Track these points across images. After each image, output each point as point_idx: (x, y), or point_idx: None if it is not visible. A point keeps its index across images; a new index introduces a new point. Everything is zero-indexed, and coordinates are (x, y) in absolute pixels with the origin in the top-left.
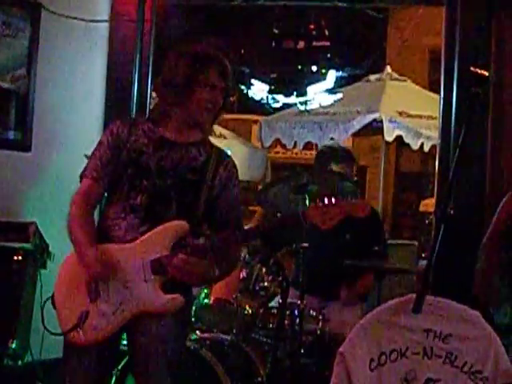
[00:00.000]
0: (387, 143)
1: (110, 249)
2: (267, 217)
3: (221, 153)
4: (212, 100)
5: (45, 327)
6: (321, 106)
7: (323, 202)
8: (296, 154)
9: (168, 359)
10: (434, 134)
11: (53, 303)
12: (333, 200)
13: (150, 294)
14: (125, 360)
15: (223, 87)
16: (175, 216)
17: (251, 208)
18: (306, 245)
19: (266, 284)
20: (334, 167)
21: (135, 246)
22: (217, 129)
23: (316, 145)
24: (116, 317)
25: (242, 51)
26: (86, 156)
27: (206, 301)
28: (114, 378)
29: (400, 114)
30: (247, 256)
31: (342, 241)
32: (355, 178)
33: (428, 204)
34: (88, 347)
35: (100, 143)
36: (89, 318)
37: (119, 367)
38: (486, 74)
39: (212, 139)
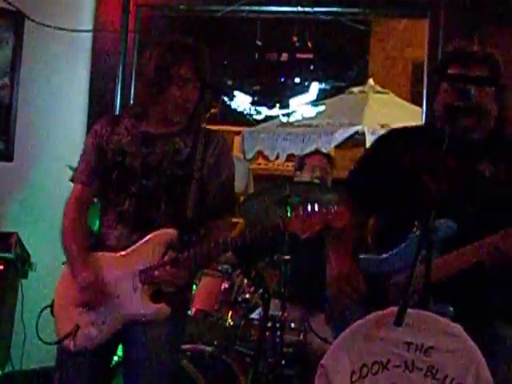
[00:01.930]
0: None
1: (101, 258)
2: (248, 228)
3: (208, 134)
4: (184, 97)
5: (39, 337)
6: (303, 118)
7: (303, 210)
8: (278, 165)
9: (160, 371)
10: None
11: (52, 312)
12: (315, 208)
13: (137, 303)
14: None
15: (198, 83)
16: (164, 218)
17: (233, 220)
18: (287, 257)
19: (247, 296)
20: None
21: (125, 256)
22: None
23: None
24: (107, 325)
25: (225, 63)
26: (68, 167)
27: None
28: None
29: (382, 126)
30: (229, 268)
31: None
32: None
33: None
34: (81, 357)
35: (86, 145)
36: (81, 327)
37: None
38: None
39: None
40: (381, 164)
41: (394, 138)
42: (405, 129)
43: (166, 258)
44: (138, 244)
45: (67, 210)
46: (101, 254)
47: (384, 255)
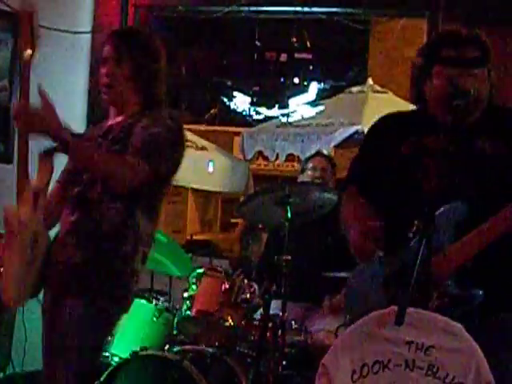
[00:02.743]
0: None
1: None
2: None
3: (141, 114)
4: (104, 73)
5: None
6: (303, 118)
7: None
8: (278, 165)
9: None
10: None
11: None
12: None
13: None
14: (107, 372)
15: (115, 57)
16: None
17: (232, 220)
18: (288, 257)
19: (248, 296)
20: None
21: None
22: (198, 141)
23: (298, 157)
24: None
25: (224, 63)
26: None
27: (188, 313)
28: None
29: None
30: (229, 269)
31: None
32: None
33: None
34: None
35: None
36: None
37: (101, 379)
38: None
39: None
40: (380, 151)
41: (391, 124)
42: (402, 114)
43: None
44: None
45: None
46: None
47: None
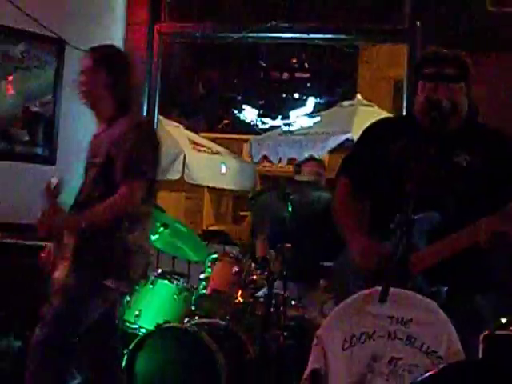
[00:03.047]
0: None
1: None
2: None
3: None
4: (83, 81)
5: None
6: (302, 128)
7: None
8: (281, 167)
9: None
10: None
11: None
12: None
13: None
14: (135, 341)
15: (94, 69)
16: None
17: (242, 213)
18: (289, 245)
19: (254, 277)
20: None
21: None
22: (214, 146)
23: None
24: None
25: (235, 81)
26: None
27: (204, 291)
28: (125, 358)
29: None
30: (239, 254)
31: (321, 240)
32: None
33: None
34: None
35: None
36: None
37: (130, 347)
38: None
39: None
40: (372, 150)
41: (383, 127)
42: (393, 119)
43: None
44: None
45: None
46: None
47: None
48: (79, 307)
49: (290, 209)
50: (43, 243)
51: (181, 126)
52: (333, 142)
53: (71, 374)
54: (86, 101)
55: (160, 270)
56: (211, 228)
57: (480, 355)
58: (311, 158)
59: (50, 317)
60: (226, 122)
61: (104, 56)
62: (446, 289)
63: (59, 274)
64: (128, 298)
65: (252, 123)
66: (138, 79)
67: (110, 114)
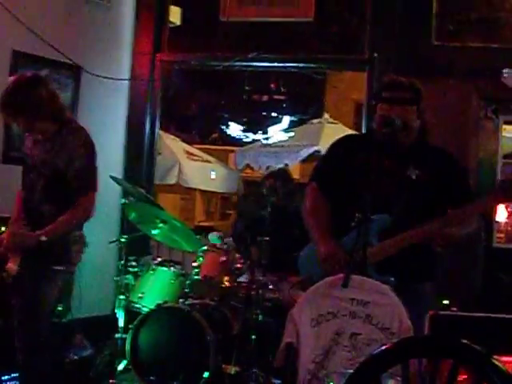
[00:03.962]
0: None
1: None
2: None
3: (73, 132)
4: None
5: None
6: (278, 141)
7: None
8: (261, 174)
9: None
10: None
11: None
12: None
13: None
14: (139, 318)
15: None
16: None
17: (228, 212)
18: (267, 238)
19: (238, 266)
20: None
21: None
22: (204, 156)
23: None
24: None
25: (223, 102)
26: (110, 176)
27: (196, 277)
28: (130, 332)
29: None
30: (225, 245)
31: (293, 235)
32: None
33: None
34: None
35: None
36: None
37: (134, 323)
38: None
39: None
40: (338, 161)
41: (347, 142)
42: (356, 136)
43: None
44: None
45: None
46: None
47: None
48: (38, 296)
49: (268, 209)
50: None
51: (177, 139)
52: (304, 153)
53: (83, 345)
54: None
55: (160, 259)
56: (202, 224)
57: (426, 331)
58: (269, 175)
59: (21, 317)
60: (215, 135)
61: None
62: (393, 279)
63: (12, 264)
64: (133, 282)
65: (237, 137)
66: None
67: (51, 130)
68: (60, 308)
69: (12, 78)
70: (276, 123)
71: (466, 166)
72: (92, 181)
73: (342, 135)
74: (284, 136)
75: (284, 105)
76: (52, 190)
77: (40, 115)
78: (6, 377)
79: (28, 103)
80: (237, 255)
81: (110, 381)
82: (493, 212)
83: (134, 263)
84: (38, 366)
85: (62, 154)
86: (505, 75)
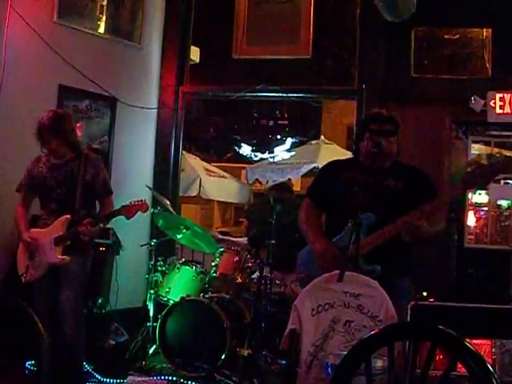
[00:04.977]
0: None
1: (34, 231)
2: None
3: (88, 156)
4: (49, 148)
5: None
6: (282, 159)
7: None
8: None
9: (74, 286)
10: None
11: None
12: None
13: (53, 256)
14: (166, 309)
15: (50, 137)
16: (71, 210)
17: (240, 219)
18: (273, 241)
19: (249, 264)
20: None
21: (46, 231)
22: (221, 172)
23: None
24: (41, 267)
25: (236, 126)
26: (147, 186)
27: (214, 274)
28: (159, 321)
29: None
30: (239, 248)
31: (294, 238)
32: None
33: None
34: (35, 282)
35: (24, 174)
36: (29, 269)
37: (162, 314)
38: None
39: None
40: (327, 180)
41: (334, 165)
42: (341, 160)
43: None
44: (52, 225)
45: (17, 206)
46: (34, 229)
47: (334, 239)
48: (84, 277)
49: (274, 216)
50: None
51: (198, 158)
52: (304, 169)
53: (120, 332)
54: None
55: (183, 259)
56: (219, 229)
57: (408, 319)
58: (274, 187)
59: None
60: (229, 155)
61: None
62: (379, 267)
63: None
64: (161, 279)
65: (248, 156)
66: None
67: (68, 157)
68: (100, 301)
69: (47, 112)
70: (280, 144)
71: (433, 177)
72: (110, 187)
73: (336, 155)
74: (287, 155)
75: (287, 129)
76: (86, 196)
77: (66, 142)
78: (28, 362)
79: (61, 131)
80: (248, 256)
81: (143, 362)
82: (464, 213)
83: (161, 263)
84: (83, 340)
85: (89, 170)
86: (473, 102)
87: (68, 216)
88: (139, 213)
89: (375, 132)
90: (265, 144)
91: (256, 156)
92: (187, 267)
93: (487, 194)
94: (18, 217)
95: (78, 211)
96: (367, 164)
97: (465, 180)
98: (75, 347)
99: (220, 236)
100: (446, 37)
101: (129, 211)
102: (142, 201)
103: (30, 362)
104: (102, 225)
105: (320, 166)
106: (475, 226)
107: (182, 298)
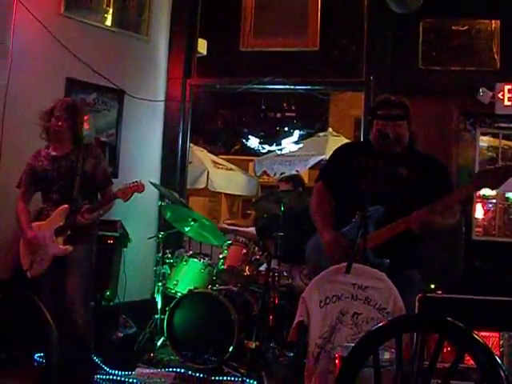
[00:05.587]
0: None
1: (35, 224)
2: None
3: (88, 147)
4: (57, 124)
5: None
6: (290, 152)
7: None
8: (275, 179)
9: (81, 270)
10: None
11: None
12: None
13: (55, 247)
14: (174, 302)
15: (63, 116)
16: (70, 200)
17: (248, 212)
18: (281, 234)
19: (257, 257)
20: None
21: (46, 223)
22: (228, 165)
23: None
24: (43, 261)
25: (244, 119)
26: (150, 182)
27: (222, 267)
28: (167, 314)
29: None
30: (247, 240)
31: (302, 230)
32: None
33: None
34: (40, 276)
35: (24, 169)
36: (33, 263)
37: (170, 306)
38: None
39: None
40: (339, 164)
41: (346, 149)
42: (354, 142)
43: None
44: (51, 216)
45: (19, 199)
46: (36, 222)
47: (342, 230)
48: (91, 266)
49: (282, 209)
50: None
51: (205, 151)
52: (312, 161)
53: (128, 325)
54: (59, 136)
55: (191, 252)
56: (226, 222)
57: (416, 311)
58: (282, 179)
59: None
60: (237, 147)
61: (70, 109)
62: (388, 260)
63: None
64: (169, 271)
65: (255, 148)
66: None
67: (71, 145)
68: (108, 293)
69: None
70: (288, 136)
71: (448, 167)
72: (110, 176)
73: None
74: (295, 147)
75: (294, 121)
76: (85, 186)
77: (71, 128)
78: (37, 355)
79: (75, 116)
80: (256, 248)
81: (151, 354)
82: (472, 206)
83: (169, 255)
84: (92, 329)
85: (89, 160)
86: (481, 93)
87: (66, 206)
88: (146, 204)
89: (383, 117)
90: (272, 136)
91: (264, 148)
92: (195, 260)
93: None
94: (19, 212)
95: (76, 200)
96: (377, 150)
97: (477, 180)
98: (85, 336)
99: (227, 226)
100: (454, 28)
101: (125, 193)
102: (137, 182)
103: (38, 354)
104: (101, 211)
105: (328, 157)
106: (483, 219)
107: (190, 291)
